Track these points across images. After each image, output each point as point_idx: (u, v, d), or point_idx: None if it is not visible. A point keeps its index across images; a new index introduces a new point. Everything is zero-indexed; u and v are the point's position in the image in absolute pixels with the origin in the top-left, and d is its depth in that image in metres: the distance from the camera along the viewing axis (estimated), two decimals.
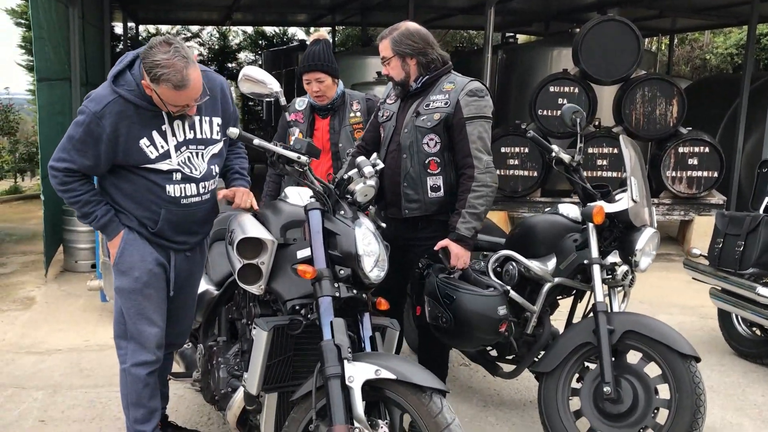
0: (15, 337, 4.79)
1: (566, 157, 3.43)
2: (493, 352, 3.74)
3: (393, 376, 2.29)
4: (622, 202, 3.29)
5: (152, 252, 2.83)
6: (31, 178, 12.90)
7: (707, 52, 17.08)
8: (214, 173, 2.89)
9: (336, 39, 17.35)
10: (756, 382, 4.26)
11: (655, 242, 3.32)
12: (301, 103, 3.90)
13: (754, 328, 4.59)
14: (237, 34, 19.18)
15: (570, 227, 3.43)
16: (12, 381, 4.07)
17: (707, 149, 7.44)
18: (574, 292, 3.54)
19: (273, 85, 2.88)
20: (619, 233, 3.33)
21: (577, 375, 3.22)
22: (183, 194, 2.80)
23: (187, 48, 2.59)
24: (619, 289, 3.35)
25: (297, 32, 19.03)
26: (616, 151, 7.32)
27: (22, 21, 13.29)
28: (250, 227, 2.63)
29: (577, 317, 3.58)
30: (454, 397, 3.90)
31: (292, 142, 2.68)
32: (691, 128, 7.58)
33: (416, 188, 3.22)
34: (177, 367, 3.49)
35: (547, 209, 3.71)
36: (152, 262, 2.83)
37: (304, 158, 2.62)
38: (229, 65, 18.89)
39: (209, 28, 18.27)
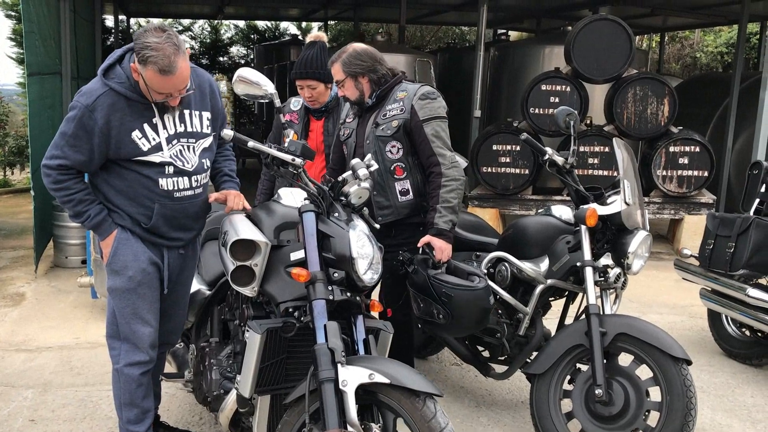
0: (4, 334, 4.76)
1: (560, 159, 3.44)
2: (486, 353, 3.75)
3: (387, 381, 2.29)
4: (614, 205, 3.31)
5: (145, 251, 2.83)
6: (21, 172, 12.81)
7: (697, 51, 17.17)
8: (205, 167, 2.90)
9: (328, 34, 17.30)
10: (745, 383, 4.29)
11: (647, 245, 3.34)
12: (296, 103, 3.89)
13: (743, 329, 4.63)
14: (229, 28, 19.11)
15: (562, 229, 3.45)
16: (1, 379, 4.04)
17: (698, 148, 7.48)
18: (567, 293, 3.55)
19: (267, 86, 2.86)
20: (611, 235, 3.35)
21: (568, 377, 3.23)
22: (176, 187, 2.80)
23: (180, 39, 2.60)
24: (612, 291, 3.37)
25: (289, 27, 18.96)
26: (607, 149, 7.35)
27: (13, 13, 13.18)
28: (244, 229, 2.62)
29: (569, 319, 3.60)
30: (446, 397, 3.91)
31: (286, 144, 2.67)
32: (681, 127, 7.61)
33: (386, 195, 3.29)
34: (169, 367, 3.48)
35: (539, 210, 3.72)
36: (145, 261, 2.82)
37: (298, 160, 2.62)
38: (221, 59, 18.81)
39: (201, 22, 18.18)
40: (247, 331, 2.55)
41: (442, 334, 3.47)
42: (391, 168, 3.28)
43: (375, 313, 2.76)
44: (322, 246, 2.55)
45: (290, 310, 2.55)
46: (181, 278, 3.02)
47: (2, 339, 4.68)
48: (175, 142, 2.77)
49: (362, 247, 2.56)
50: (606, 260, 3.31)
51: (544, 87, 7.46)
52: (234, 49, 19.26)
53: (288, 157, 2.61)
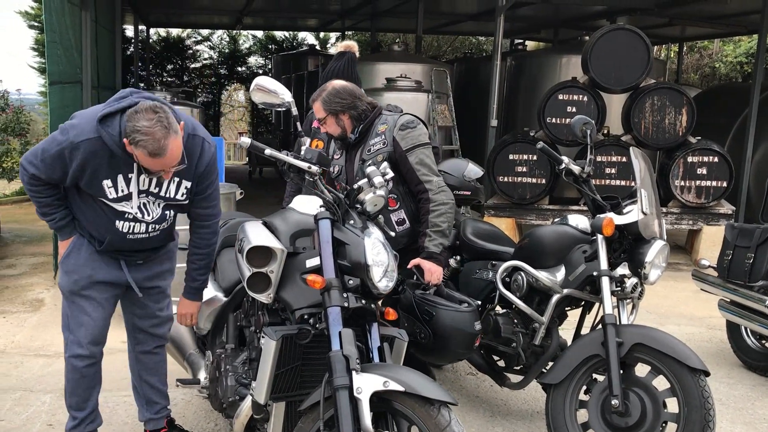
0: (24, 340, 4.81)
1: (576, 169, 3.43)
2: (501, 363, 3.73)
3: (401, 388, 2.29)
4: (631, 214, 3.28)
5: (98, 260, 2.92)
6: None
7: (716, 61, 17.04)
8: (168, 217, 2.96)
9: None
10: (765, 395, 4.24)
11: (664, 254, 3.31)
12: None
13: (763, 341, 4.57)
14: (247, 38, 19.27)
15: (579, 238, 3.43)
16: (20, 384, 4.09)
17: (716, 159, 7.42)
18: (583, 303, 3.53)
19: (285, 95, 2.89)
20: (628, 245, 3.33)
21: (584, 387, 3.21)
22: (130, 230, 2.88)
23: (173, 116, 2.61)
24: (628, 301, 3.34)
25: (307, 37, 19.08)
26: (624, 159, 7.32)
27: (36, 24, 13.38)
28: (260, 236, 2.64)
29: (585, 329, 3.57)
30: (461, 407, 3.89)
31: (303, 152, 2.69)
32: (700, 137, 7.56)
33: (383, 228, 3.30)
34: (185, 373, 3.50)
35: (556, 220, 3.71)
36: (96, 269, 2.92)
37: (314, 168, 2.63)
38: (239, 69, 18.97)
39: (219, 32, 18.34)
40: (263, 337, 2.56)
41: (428, 358, 3.45)
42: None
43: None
44: (338, 253, 2.56)
45: (305, 317, 2.56)
46: (154, 278, 3.08)
47: (21, 344, 4.74)
48: (143, 196, 2.83)
49: (377, 254, 2.56)
50: (623, 270, 3.28)
51: (561, 96, 7.45)
52: (252, 59, 19.43)
53: (304, 165, 2.63)
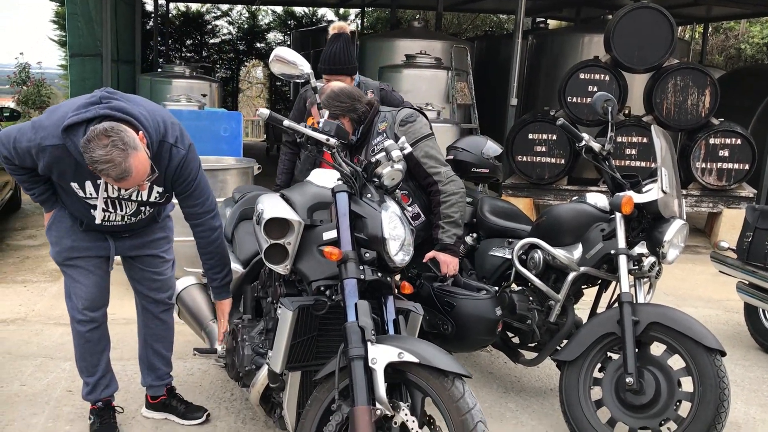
0: (44, 309, 4.89)
1: (596, 146, 3.40)
2: (515, 339, 3.74)
3: (416, 360, 2.30)
4: (651, 193, 3.26)
5: (82, 236, 2.95)
6: None
7: (742, 42, 16.73)
8: (144, 212, 2.95)
9: (365, 21, 17.27)
10: None
11: (683, 234, 3.29)
12: None
13: None
14: (266, 13, 19.17)
15: (597, 216, 3.41)
16: (41, 351, 4.16)
17: (739, 141, 7.32)
18: (599, 281, 3.52)
19: (304, 66, 2.88)
20: (647, 224, 3.30)
21: (599, 365, 3.21)
22: (106, 219, 2.88)
23: (127, 134, 2.46)
24: (645, 280, 3.33)
25: (327, 13, 18.97)
26: (645, 140, 7.24)
27: None
28: (278, 208, 2.65)
29: (601, 307, 3.57)
30: (475, 382, 3.91)
31: (321, 125, 2.69)
32: (723, 119, 7.46)
33: (400, 202, 3.31)
34: (202, 343, 3.54)
35: (574, 198, 3.69)
36: (78, 240, 2.95)
37: (332, 140, 2.63)
38: (258, 45, 18.92)
39: (239, 7, 18.27)
40: (280, 308, 2.58)
41: (452, 348, 3.46)
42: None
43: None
44: (355, 226, 2.56)
45: (322, 288, 2.58)
46: (141, 245, 3.10)
47: (42, 313, 4.82)
48: (115, 200, 2.83)
49: (394, 228, 2.57)
50: (641, 249, 3.27)
51: (582, 76, 7.37)
52: (271, 35, 19.34)
53: (322, 137, 2.63)
